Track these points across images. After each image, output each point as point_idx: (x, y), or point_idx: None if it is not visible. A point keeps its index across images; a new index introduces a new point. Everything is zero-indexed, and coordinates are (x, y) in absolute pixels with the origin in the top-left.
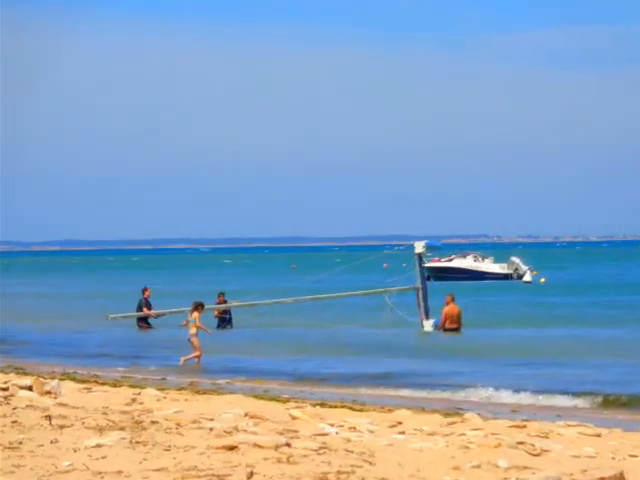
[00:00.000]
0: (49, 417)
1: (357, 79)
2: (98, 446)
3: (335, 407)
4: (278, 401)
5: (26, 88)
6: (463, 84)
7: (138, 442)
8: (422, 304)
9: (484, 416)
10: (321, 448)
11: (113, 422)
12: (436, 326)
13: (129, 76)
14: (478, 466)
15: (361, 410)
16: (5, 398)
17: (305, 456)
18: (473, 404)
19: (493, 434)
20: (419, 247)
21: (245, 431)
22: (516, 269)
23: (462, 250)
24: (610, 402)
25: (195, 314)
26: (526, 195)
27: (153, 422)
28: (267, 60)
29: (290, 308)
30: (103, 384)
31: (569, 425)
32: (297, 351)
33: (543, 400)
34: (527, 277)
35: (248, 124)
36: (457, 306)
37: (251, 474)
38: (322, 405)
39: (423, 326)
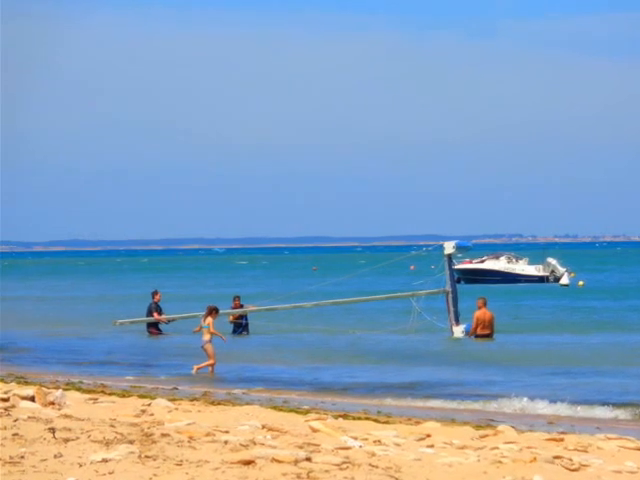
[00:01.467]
0: (52, 430)
1: (383, 68)
2: (105, 461)
3: (359, 419)
4: (298, 412)
5: (27, 78)
6: (494, 74)
7: (148, 456)
8: (452, 309)
9: (518, 428)
10: (344, 463)
11: (121, 435)
12: (467, 332)
13: (137, 64)
14: None
15: (386, 422)
16: (6, 409)
17: (327, 471)
18: (506, 416)
19: (528, 448)
20: (449, 248)
21: (262, 444)
22: (552, 271)
23: (495, 251)
24: None
25: (209, 319)
26: (563, 192)
27: (164, 435)
28: (288, 49)
29: (310, 313)
30: (110, 394)
31: (609, 438)
32: (318, 359)
33: (581, 411)
34: (564, 280)
35: (265, 117)
36: (489, 311)
37: None
38: (345, 417)
39: (453, 332)
